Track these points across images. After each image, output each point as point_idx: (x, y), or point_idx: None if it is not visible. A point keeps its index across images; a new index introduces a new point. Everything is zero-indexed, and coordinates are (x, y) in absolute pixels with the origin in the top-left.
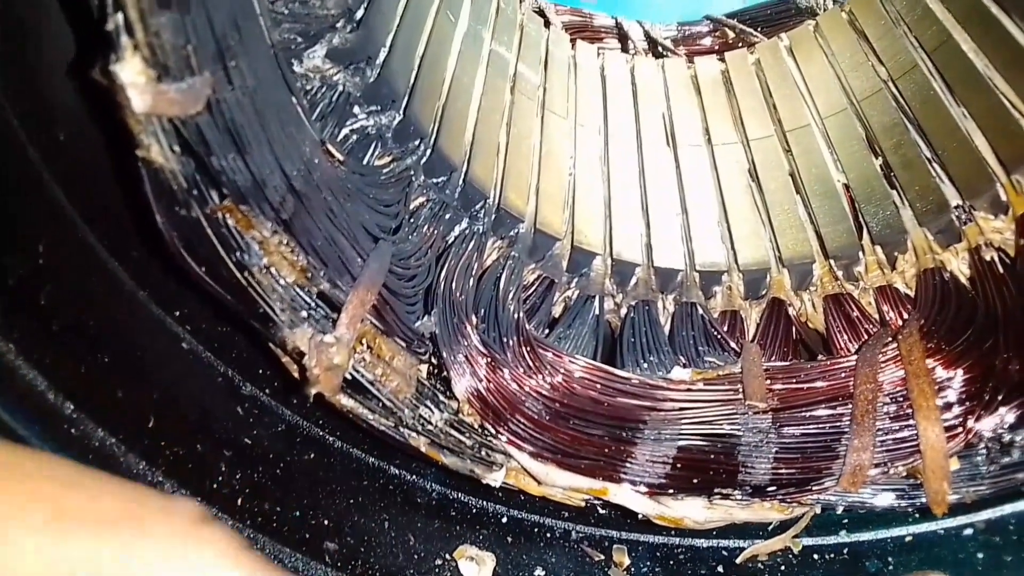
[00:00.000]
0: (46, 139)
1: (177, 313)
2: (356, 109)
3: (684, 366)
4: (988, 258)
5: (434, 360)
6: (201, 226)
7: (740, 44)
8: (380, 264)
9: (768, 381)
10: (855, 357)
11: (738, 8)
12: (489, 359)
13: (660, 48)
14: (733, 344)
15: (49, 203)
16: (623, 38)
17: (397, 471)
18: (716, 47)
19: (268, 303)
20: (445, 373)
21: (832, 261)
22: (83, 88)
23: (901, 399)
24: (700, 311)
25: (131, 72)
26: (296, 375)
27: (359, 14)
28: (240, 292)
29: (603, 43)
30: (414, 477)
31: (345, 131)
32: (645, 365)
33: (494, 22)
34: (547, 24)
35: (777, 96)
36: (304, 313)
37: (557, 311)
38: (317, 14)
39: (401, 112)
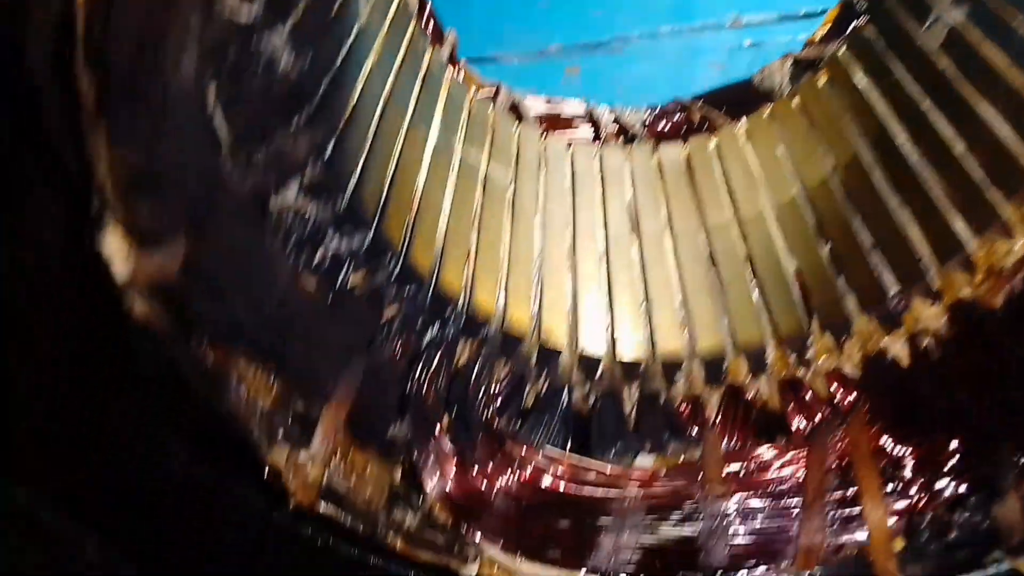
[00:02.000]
0: (42, 300)
1: (171, 434)
2: (328, 234)
3: (649, 451)
4: (924, 344)
5: (407, 463)
6: (185, 366)
7: (705, 126)
8: (352, 380)
9: (726, 466)
10: (807, 441)
11: (713, 80)
12: (459, 459)
13: (629, 133)
14: (694, 430)
15: (48, 355)
16: (594, 124)
17: (381, 562)
18: (682, 128)
19: (247, 428)
20: (417, 475)
21: (785, 346)
22: (71, 257)
23: (850, 481)
24: (663, 399)
25: (113, 245)
26: (276, 489)
27: (328, 150)
28: (222, 420)
29: (575, 129)
30: (398, 568)
31: (318, 256)
32: (612, 453)
33: (465, 128)
34: (520, 118)
35: (735, 183)
36: (281, 432)
37: (528, 402)
38: (288, 157)
39: (372, 232)
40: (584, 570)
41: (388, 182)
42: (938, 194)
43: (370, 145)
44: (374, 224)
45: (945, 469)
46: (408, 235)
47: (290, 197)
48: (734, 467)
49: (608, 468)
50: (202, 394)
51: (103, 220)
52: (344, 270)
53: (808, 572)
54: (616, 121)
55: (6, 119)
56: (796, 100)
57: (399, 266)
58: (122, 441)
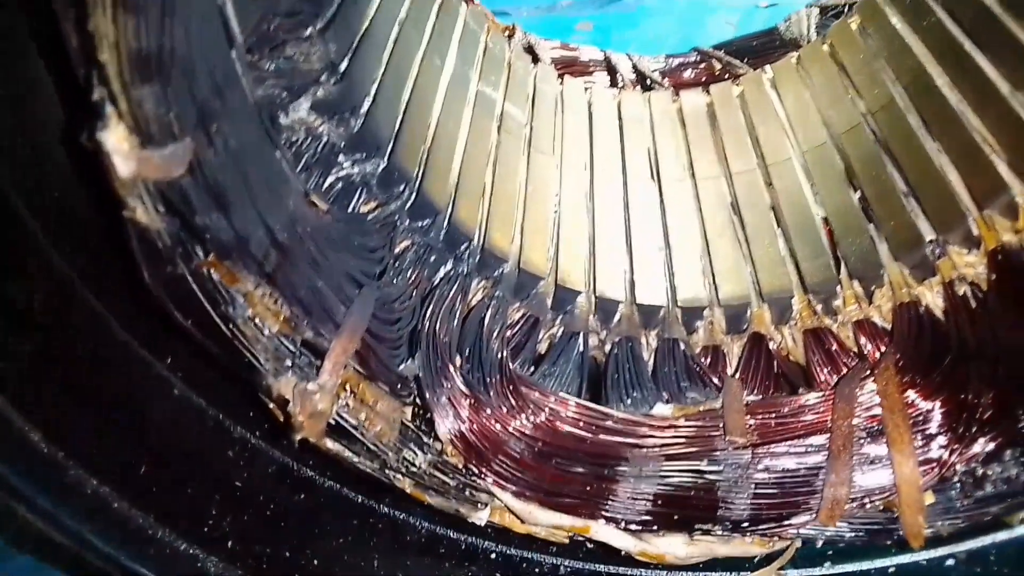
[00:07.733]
0: (40, 201)
1: (168, 360)
2: (341, 158)
3: (667, 401)
4: (961, 292)
5: (418, 402)
6: (187, 281)
7: (726, 75)
8: (363, 311)
9: (748, 416)
10: (833, 391)
11: (727, 39)
12: (472, 400)
13: (648, 81)
14: (715, 379)
15: (44, 260)
16: (611, 71)
17: (387, 509)
18: (703, 79)
19: (253, 353)
20: (429, 415)
21: (811, 295)
22: (74, 154)
23: (877, 433)
24: (682, 347)
25: (115, 139)
26: (282, 421)
27: (343, 66)
28: (226, 343)
29: (591, 76)
30: (403, 515)
31: (330, 179)
32: (628, 401)
33: (481, 63)
34: (535, 60)
35: (760, 130)
36: (288, 361)
37: (542, 348)
38: (301, 69)
39: (385, 159)
40: (600, 519)
41: (403, 109)
42: (980, 137)
43: (385, 68)
44: (388, 151)
45: (979, 422)
46: (423, 166)
47: (302, 112)
48: (756, 418)
49: (625, 415)
50: (205, 312)
51: (106, 109)
52: (356, 197)
53: (832, 525)
54: (635, 69)
55: None
56: (826, 46)
57: (413, 197)
58: (114, 360)
